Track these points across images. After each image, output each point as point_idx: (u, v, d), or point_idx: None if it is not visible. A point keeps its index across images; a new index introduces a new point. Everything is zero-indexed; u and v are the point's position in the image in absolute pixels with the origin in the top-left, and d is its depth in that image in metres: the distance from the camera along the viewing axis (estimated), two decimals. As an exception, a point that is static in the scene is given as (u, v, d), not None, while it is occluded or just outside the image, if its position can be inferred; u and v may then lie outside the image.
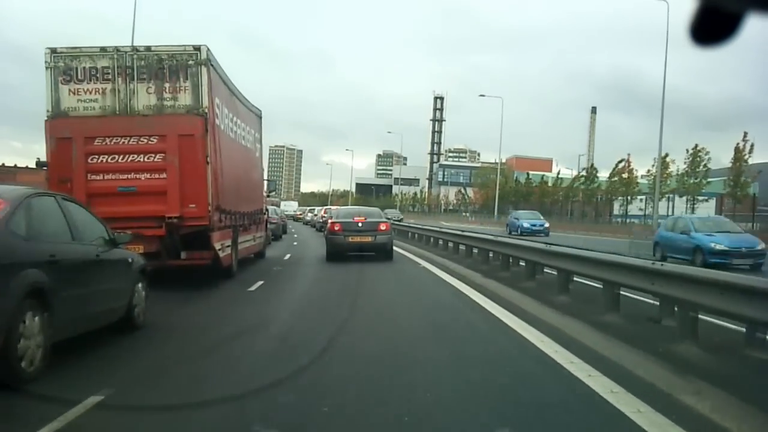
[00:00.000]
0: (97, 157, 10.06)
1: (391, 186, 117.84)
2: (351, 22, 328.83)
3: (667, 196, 38.38)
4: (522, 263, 11.52)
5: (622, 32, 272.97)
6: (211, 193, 10.29)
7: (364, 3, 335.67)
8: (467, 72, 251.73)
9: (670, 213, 34.53)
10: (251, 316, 8.34)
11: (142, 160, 10.13)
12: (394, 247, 17.82)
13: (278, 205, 39.62)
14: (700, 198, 37.01)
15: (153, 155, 10.13)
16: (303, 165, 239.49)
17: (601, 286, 7.79)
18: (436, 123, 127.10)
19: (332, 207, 32.22)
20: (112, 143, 10.09)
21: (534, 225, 32.08)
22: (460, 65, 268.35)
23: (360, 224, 16.35)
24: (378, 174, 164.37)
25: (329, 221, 17.79)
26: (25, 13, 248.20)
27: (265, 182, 18.24)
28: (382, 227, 16.38)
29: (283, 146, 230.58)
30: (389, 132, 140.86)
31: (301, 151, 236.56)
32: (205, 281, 11.10)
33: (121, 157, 10.11)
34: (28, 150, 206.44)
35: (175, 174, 10.06)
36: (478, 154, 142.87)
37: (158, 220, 10.01)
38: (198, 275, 11.25)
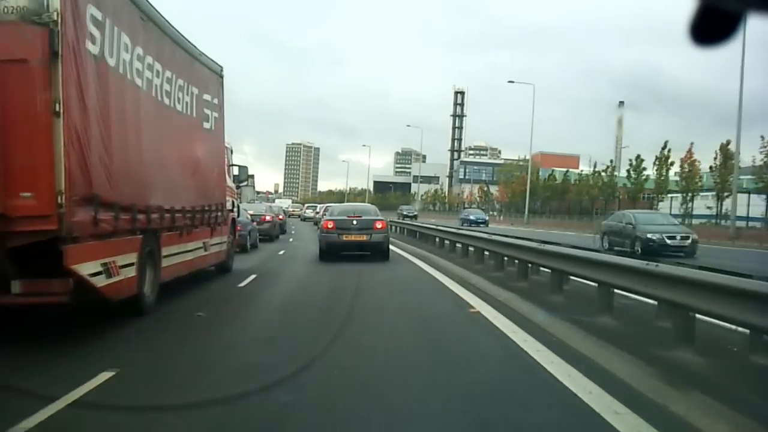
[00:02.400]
0: None
1: (409, 184, 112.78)
2: (367, 21, 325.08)
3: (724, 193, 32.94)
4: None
5: (641, 29, 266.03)
6: (68, 171, 5.57)
7: (380, 1, 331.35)
8: (484, 70, 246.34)
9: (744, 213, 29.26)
10: None
11: None
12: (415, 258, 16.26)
13: (273, 202, 35.23)
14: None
15: None
16: (320, 163, 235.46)
17: None
18: (457, 119, 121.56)
19: (331, 204, 28.24)
20: None
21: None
22: (476, 63, 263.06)
23: (355, 222, 15.47)
24: (396, 172, 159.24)
25: (323, 219, 17.35)
26: None
27: (233, 168, 13.32)
28: (378, 225, 15.56)
29: (300, 144, 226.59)
30: (408, 125, 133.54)
31: (318, 149, 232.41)
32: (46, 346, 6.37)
33: None
34: None
35: None
36: (499, 152, 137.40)
37: (-38, 222, 5.35)
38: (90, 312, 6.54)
